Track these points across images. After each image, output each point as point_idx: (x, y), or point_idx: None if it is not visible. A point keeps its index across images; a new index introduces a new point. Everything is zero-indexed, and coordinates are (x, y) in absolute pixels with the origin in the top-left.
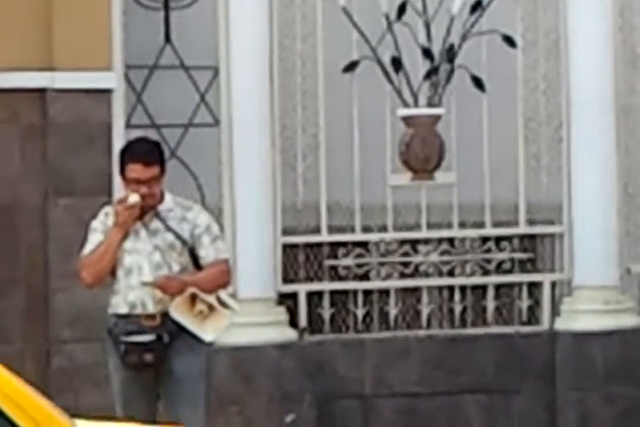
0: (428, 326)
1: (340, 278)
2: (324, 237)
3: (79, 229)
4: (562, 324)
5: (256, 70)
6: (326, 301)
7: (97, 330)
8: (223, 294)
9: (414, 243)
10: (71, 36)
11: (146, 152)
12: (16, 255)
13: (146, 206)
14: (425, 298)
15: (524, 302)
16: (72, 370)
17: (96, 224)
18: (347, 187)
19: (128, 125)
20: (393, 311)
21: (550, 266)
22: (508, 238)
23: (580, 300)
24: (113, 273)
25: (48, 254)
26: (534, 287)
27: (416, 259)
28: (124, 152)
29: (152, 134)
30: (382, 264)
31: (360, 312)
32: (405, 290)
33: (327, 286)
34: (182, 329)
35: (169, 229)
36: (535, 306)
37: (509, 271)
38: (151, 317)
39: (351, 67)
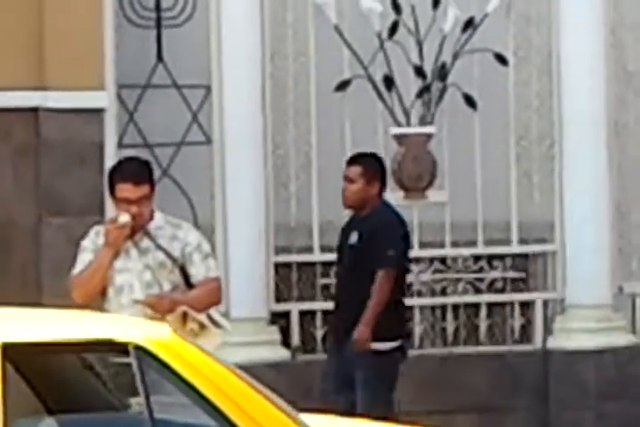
0: (421, 345)
1: (333, 297)
2: (317, 256)
3: (72, 249)
4: (554, 342)
5: (248, 89)
6: (319, 320)
7: None
8: (214, 313)
9: None
10: (63, 56)
11: (135, 171)
12: (9, 274)
13: (136, 226)
14: (417, 317)
15: (517, 321)
16: None
17: (86, 243)
18: (339, 206)
19: (120, 144)
20: None
21: (543, 285)
22: (501, 257)
23: (573, 318)
24: (103, 292)
25: (41, 274)
26: (527, 306)
27: (408, 278)
28: (113, 172)
29: (144, 153)
30: None
31: None
32: None
33: (320, 305)
34: None
35: (159, 247)
36: (528, 325)
37: (502, 290)
38: None
39: (343, 85)
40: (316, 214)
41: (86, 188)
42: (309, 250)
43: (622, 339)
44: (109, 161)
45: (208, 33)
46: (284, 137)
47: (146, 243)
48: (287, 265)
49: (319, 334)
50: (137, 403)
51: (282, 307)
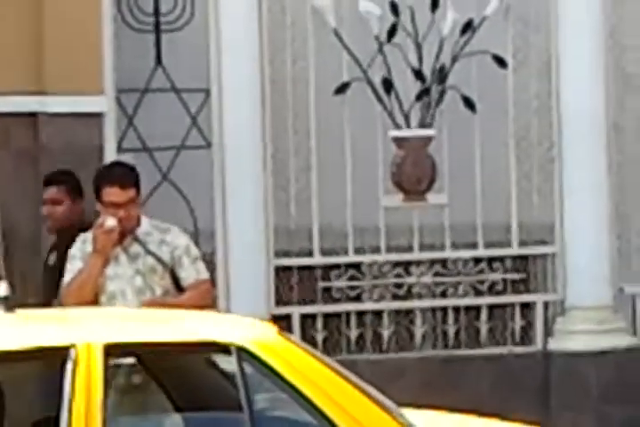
0: (422, 347)
1: (334, 300)
2: (317, 259)
3: None
4: (555, 344)
5: (247, 92)
6: (319, 323)
7: None
8: None
9: (407, 264)
10: (62, 60)
11: (122, 175)
12: (9, 281)
13: (124, 229)
14: (418, 319)
15: (517, 323)
16: None
17: (74, 251)
18: (339, 208)
19: (120, 149)
20: (386, 333)
21: (543, 286)
22: (501, 259)
23: (573, 320)
24: (95, 300)
25: (42, 280)
26: (527, 308)
27: (409, 280)
28: (99, 177)
29: (144, 157)
30: (375, 286)
31: (353, 334)
32: (398, 312)
33: (320, 308)
34: None
35: (149, 252)
36: (528, 326)
37: (502, 292)
38: None
39: (342, 88)
40: (315, 217)
41: (86, 192)
42: (309, 253)
43: (623, 340)
44: None
45: (207, 37)
46: (283, 140)
47: (135, 248)
48: (287, 268)
49: (320, 337)
50: (239, 402)
51: (282, 310)
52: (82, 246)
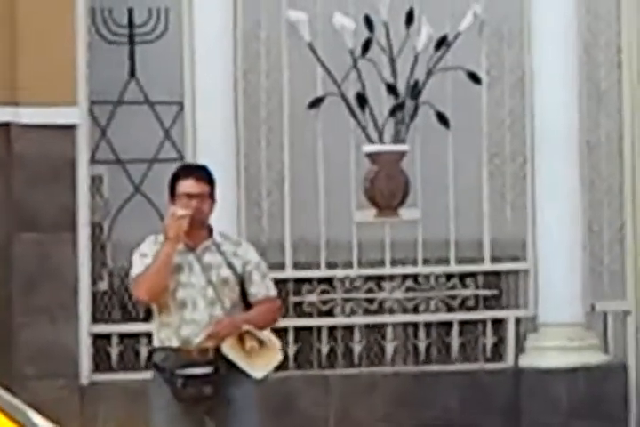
0: (393, 362)
1: (305, 315)
2: (289, 273)
3: (43, 264)
4: (526, 360)
5: (221, 106)
6: (291, 337)
7: (60, 366)
8: (267, 331)
9: (379, 279)
10: (35, 71)
11: (197, 170)
12: None
13: (195, 221)
14: (389, 334)
15: (489, 339)
16: (34, 407)
17: (146, 249)
18: (311, 223)
19: (92, 161)
20: (357, 348)
21: (515, 303)
22: (473, 275)
23: (545, 337)
24: (164, 306)
25: (11, 289)
26: (499, 324)
27: (380, 295)
28: (175, 174)
29: (116, 170)
30: (347, 301)
31: (325, 349)
32: (370, 326)
33: (292, 322)
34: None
35: (228, 263)
36: (500, 343)
37: (474, 308)
38: (204, 351)
39: (316, 103)
40: (288, 232)
41: (58, 203)
42: (282, 267)
43: (594, 357)
44: (81, 177)
45: (181, 49)
46: (256, 154)
47: (208, 258)
48: None
49: (291, 351)
50: None
51: None
52: (152, 246)
